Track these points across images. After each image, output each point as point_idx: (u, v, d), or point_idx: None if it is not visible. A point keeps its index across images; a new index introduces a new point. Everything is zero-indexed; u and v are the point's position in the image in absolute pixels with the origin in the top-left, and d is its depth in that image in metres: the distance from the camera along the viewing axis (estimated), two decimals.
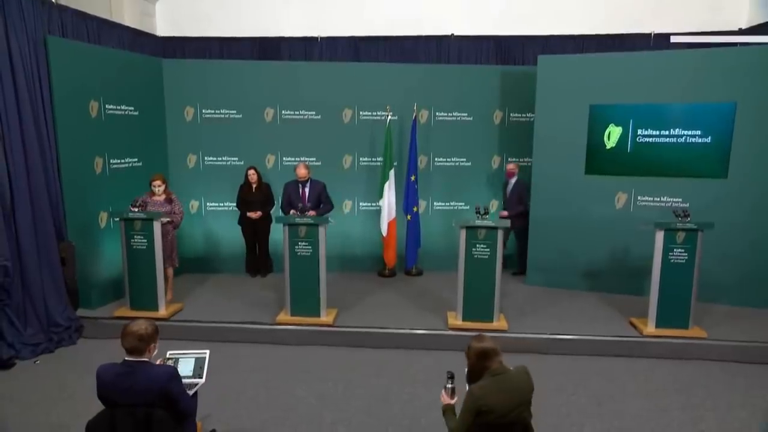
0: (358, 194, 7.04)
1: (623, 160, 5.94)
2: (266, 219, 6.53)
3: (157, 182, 5.47)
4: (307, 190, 5.95)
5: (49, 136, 5.10)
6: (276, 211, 6.63)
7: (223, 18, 7.58)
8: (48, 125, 5.09)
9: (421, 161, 6.94)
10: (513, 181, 6.66)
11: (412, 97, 6.64)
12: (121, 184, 5.82)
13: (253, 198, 6.47)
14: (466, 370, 2.67)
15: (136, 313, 5.12)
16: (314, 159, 6.72)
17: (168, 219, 5.39)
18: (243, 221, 6.59)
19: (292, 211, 5.52)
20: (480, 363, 2.57)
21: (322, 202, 6.00)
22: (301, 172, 5.92)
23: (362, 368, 4.61)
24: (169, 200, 5.52)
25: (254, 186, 6.48)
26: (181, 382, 2.77)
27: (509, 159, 6.98)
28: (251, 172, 6.47)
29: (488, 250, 5.01)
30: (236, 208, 6.60)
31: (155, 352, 2.75)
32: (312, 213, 5.57)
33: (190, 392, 2.99)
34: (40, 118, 4.99)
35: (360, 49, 7.59)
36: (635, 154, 5.90)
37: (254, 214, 6.43)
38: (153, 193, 5.47)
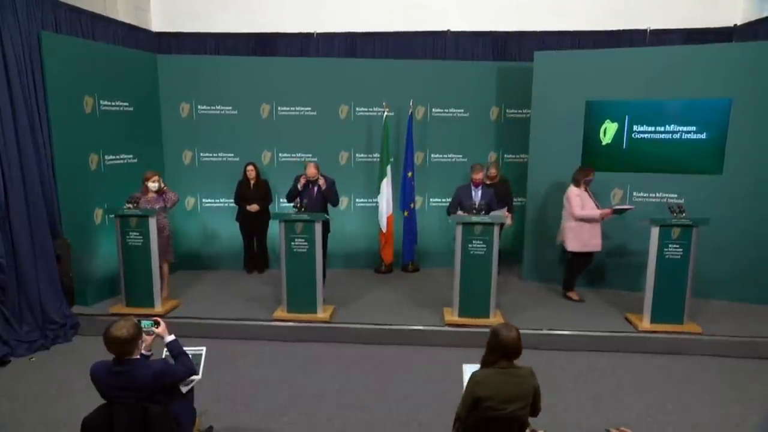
0: (355, 191, 7.02)
1: (619, 156, 5.95)
2: (264, 214, 6.50)
3: (153, 178, 5.43)
4: (315, 189, 5.75)
5: (43, 132, 5.07)
6: (273, 208, 6.63)
7: (219, 13, 7.53)
8: (42, 121, 5.06)
9: (418, 157, 6.93)
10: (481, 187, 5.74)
11: (409, 93, 6.62)
12: (117, 180, 5.79)
13: (251, 194, 6.45)
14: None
15: (132, 310, 5.13)
16: (310, 155, 6.70)
17: (160, 186, 5.43)
18: (241, 217, 6.58)
19: (292, 210, 5.42)
20: (496, 355, 2.57)
21: (329, 198, 5.82)
22: (311, 171, 5.70)
23: (359, 364, 4.62)
24: (161, 193, 5.49)
25: (252, 182, 6.47)
26: (174, 372, 2.83)
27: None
28: (250, 168, 6.44)
29: (484, 246, 5.01)
30: (234, 204, 6.59)
31: (143, 344, 2.81)
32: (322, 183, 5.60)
33: (186, 389, 3.03)
34: (34, 114, 4.95)
35: (356, 45, 7.56)
36: (631, 150, 5.91)
37: (252, 207, 6.39)
38: (147, 190, 5.44)
